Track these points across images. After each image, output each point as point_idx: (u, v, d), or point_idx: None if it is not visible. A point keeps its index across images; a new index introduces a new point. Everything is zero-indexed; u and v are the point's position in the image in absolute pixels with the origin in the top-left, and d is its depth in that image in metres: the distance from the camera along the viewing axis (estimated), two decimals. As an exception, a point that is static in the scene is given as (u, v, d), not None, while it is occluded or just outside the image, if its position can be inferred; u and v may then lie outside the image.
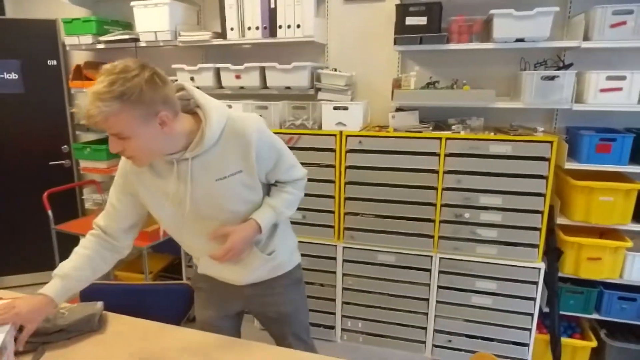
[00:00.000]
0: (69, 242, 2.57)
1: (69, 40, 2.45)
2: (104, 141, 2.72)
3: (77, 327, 1.12)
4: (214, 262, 1.15)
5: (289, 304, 1.23)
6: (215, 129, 0.97)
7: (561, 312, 1.92)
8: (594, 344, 1.94)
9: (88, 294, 1.30)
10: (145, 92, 0.85)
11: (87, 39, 2.40)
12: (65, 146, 2.82)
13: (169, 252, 2.61)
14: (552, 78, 1.75)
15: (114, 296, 1.33)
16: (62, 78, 2.72)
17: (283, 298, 1.21)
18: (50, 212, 2.31)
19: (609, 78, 1.70)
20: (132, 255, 2.83)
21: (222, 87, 2.25)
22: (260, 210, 1.07)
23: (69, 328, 1.11)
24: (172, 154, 0.98)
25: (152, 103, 0.87)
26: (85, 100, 0.84)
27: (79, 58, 2.71)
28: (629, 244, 1.80)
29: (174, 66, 2.27)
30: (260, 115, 2.09)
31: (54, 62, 2.69)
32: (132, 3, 2.24)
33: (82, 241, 1.13)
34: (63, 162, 2.83)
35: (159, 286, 1.48)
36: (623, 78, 1.69)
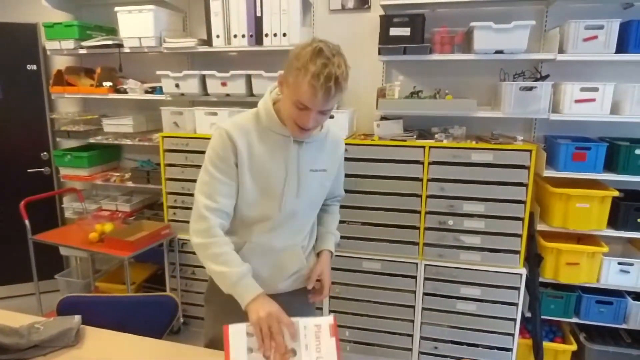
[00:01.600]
0: (47, 253, 2.51)
1: (50, 45, 2.40)
2: (85, 148, 2.66)
3: (53, 343, 1.08)
4: (259, 251, 1.10)
5: (308, 308, 1.21)
6: (325, 125, 1.11)
7: (542, 317, 1.96)
8: (574, 347, 1.99)
9: (66, 307, 1.26)
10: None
11: (69, 44, 2.36)
12: (45, 153, 2.75)
13: (152, 261, 2.55)
14: (530, 89, 1.81)
15: (92, 309, 1.29)
16: (42, 83, 2.66)
17: (305, 302, 1.19)
18: (27, 222, 2.23)
19: (582, 89, 1.77)
20: (113, 265, 2.76)
21: (207, 95, 2.24)
22: (326, 240, 1.23)
23: (44, 344, 1.07)
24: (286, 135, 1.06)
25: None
26: (320, 70, 0.90)
27: (59, 63, 2.65)
28: (605, 249, 1.86)
29: (158, 72, 2.25)
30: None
31: (34, 67, 2.63)
32: (116, 8, 2.22)
33: (220, 242, 1.02)
34: (42, 169, 2.75)
35: (141, 298, 1.44)
36: (596, 89, 1.76)
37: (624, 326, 1.92)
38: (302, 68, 0.91)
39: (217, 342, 1.14)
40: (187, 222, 1.21)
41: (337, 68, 0.91)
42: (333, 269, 2.10)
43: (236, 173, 1.05)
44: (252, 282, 1.00)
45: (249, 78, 2.16)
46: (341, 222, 2.04)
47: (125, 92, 2.40)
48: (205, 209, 1.02)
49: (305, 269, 1.17)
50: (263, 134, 1.06)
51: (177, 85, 2.23)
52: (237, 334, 0.94)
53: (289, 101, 0.98)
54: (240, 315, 1.11)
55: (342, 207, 2.04)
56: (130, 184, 2.48)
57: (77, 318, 1.16)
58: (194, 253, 2.53)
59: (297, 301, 1.16)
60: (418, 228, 1.98)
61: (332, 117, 1.99)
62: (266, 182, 1.07)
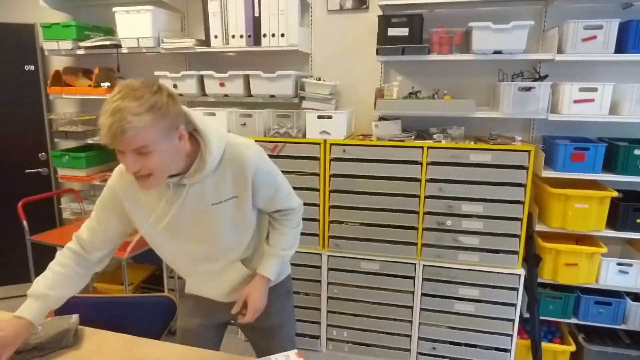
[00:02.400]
0: (46, 254, 2.50)
1: (47, 45, 2.39)
2: (83, 149, 2.66)
3: (51, 344, 1.08)
4: (198, 281, 1.17)
5: (277, 316, 1.21)
6: (215, 156, 0.96)
7: (541, 317, 1.95)
8: (572, 348, 1.99)
9: (63, 308, 1.26)
10: (170, 105, 0.85)
11: (67, 44, 2.35)
12: (43, 153, 2.74)
13: (150, 262, 2.55)
14: (529, 89, 1.80)
15: (90, 309, 1.29)
16: (40, 84, 2.65)
17: (271, 309, 1.19)
18: (25, 223, 2.22)
19: (581, 89, 1.77)
20: (111, 266, 2.75)
21: (205, 95, 2.23)
22: (264, 263, 1.12)
23: (42, 345, 1.07)
24: (170, 176, 0.95)
25: (175, 116, 0.87)
26: (104, 119, 0.80)
27: (57, 63, 2.65)
28: (604, 249, 1.86)
29: (156, 73, 2.24)
30: (244, 124, 2.11)
31: (32, 68, 2.62)
32: (114, 9, 2.21)
33: (59, 257, 1.09)
34: (40, 170, 2.74)
35: (139, 298, 1.44)
36: (594, 90, 1.76)
37: (622, 327, 1.91)
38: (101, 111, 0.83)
39: (188, 333, 1.22)
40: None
41: (124, 100, 0.80)
42: (331, 269, 2.10)
43: (120, 221, 1.07)
44: (28, 305, 1.01)
45: (247, 78, 2.15)
46: (340, 222, 2.08)
47: (123, 92, 2.39)
48: (82, 229, 1.11)
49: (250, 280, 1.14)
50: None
51: (175, 86, 2.23)
52: None
53: None
54: (211, 310, 1.20)
55: (340, 207, 2.08)
56: (128, 184, 2.48)
57: (75, 317, 1.16)
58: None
59: (267, 297, 1.16)
60: (416, 229, 1.97)
61: (330, 117, 1.99)
62: (165, 231, 1.03)
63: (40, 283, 1.04)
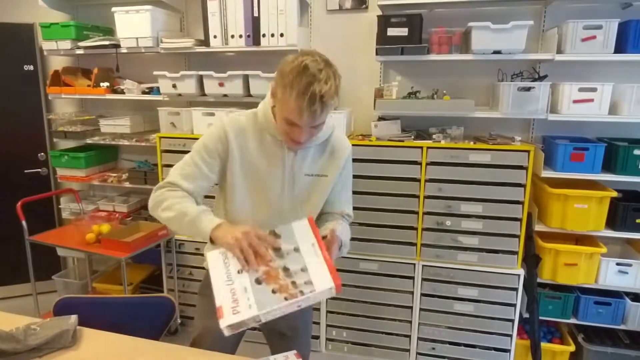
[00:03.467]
0: (45, 254, 2.50)
1: (46, 45, 2.39)
2: (82, 149, 2.65)
3: (50, 345, 1.08)
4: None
5: (301, 319, 1.20)
6: (326, 130, 1.07)
7: (540, 317, 1.95)
8: (572, 348, 1.99)
9: (62, 309, 1.26)
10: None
11: (66, 44, 2.35)
12: (42, 154, 2.74)
13: (149, 262, 2.55)
14: (528, 89, 1.80)
15: (89, 310, 1.28)
16: (39, 84, 2.65)
17: (296, 312, 1.18)
18: (24, 223, 2.22)
19: (581, 89, 1.77)
20: (111, 266, 2.75)
21: (205, 95, 2.23)
22: (337, 223, 1.09)
23: (41, 346, 1.07)
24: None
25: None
26: (305, 101, 0.89)
27: (56, 63, 2.65)
28: (604, 249, 1.86)
29: (155, 73, 2.24)
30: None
31: (31, 67, 2.62)
32: (113, 9, 2.21)
33: (178, 194, 1.04)
34: (39, 170, 2.74)
35: (138, 299, 1.44)
36: (594, 90, 1.76)
37: (622, 327, 1.91)
38: (288, 86, 0.91)
39: (205, 335, 1.18)
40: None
41: (323, 85, 0.89)
42: (331, 269, 2.10)
43: (219, 169, 1.08)
44: (212, 216, 1.00)
45: (246, 78, 2.15)
46: (339, 222, 2.07)
47: (122, 92, 2.39)
48: (178, 178, 1.06)
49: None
50: (259, 134, 1.08)
51: (174, 86, 2.22)
52: (215, 261, 0.93)
53: (279, 115, 0.99)
54: (213, 313, 1.14)
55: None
56: (127, 184, 2.47)
57: (74, 318, 1.16)
58: (191, 254, 2.53)
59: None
60: (416, 229, 1.97)
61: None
62: (258, 182, 1.08)
63: (194, 206, 1.02)
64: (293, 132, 0.97)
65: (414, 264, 1.99)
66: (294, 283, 0.88)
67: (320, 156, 1.09)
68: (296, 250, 0.93)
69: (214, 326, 1.16)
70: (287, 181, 1.08)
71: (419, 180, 1.92)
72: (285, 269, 0.91)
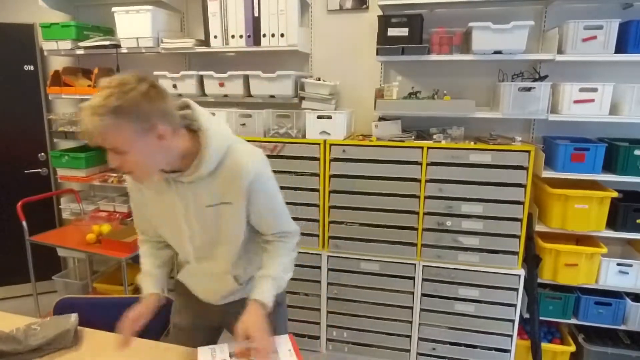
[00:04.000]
0: (45, 254, 2.50)
1: (47, 45, 2.39)
2: (82, 149, 2.65)
3: (51, 345, 1.08)
4: (191, 274, 1.18)
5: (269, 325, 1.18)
6: (212, 158, 0.95)
7: (541, 318, 1.95)
8: (572, 348, 1.99)
9: (62, 309, 1.26)
10: (142, 105, 0.83)
11: (66, 44, 2.34)
12: (42, 154, 2.74)
13: (150, 262, 2.54)
14: (529, 89, 1.80)
15: (89, 310, 1.28)
16: (40, 84, 2.65)
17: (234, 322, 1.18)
18: (24, 223, 2.22)
19: (581, 90, 1.76)
20: (111, 266, 2.75)
21: (205, 95, 2.23)
22: (258, 287, 1.04)
23: (42, 346, 1.07)
24: (169, 172, 0.96)
25: (149, 116, 0.85)
26: (81, 115, 0.83)
27: (57, 63, 2.64)
28: (604, 250, 1.85)
29: (156, 73, 2.24)
30: (244, 124, 2.10)
31: (31, 68, 2.62)
32: (113, 9, 2.21)
33: (141, 251, 1.21)
34: (40, 170, 2.74)
35: (137, 299, 1.43)
36: (595, 90, 1.75)
37: (622, 327, 1.91)
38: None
39: (180, 332, 1.23)
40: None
41: (94, 98, 0.81)
42: (330, 269, 2.10)
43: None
44: (150, 282, 1.15)
45: (246, 79, 2.15)
46: (339, 223, 2.08)
47: (122, 92, 2.39)
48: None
49: (242, 291, 1.14)
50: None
51: (174, 86, 2.22)
52: (205, 356, 1.01)
53: None
54: (201, 312, 1.21)
55: (340, 207, 2.08)
56: (127, 184, 2.47)
57: (74, 317, 1.16)
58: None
59: (233, 312, 1.11)
60: (416, 229, 1.97)
61: (329, 117, 1.99)
62: (162, 222, 1.08)
63: (146, 264, 1.17)
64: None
65: (415, 264, 1.99)
66: None
67: (216, 184, 0.98)
68: (274, 352, 1.00)
69: (179, 324, 1.24)
70: (187, 217, 1.02)
71: (419, 181, 1.92)
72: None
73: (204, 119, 0.96)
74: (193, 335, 1.20)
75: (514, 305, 1.92)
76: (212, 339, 1.27)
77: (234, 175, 0.97)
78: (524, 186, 1.81)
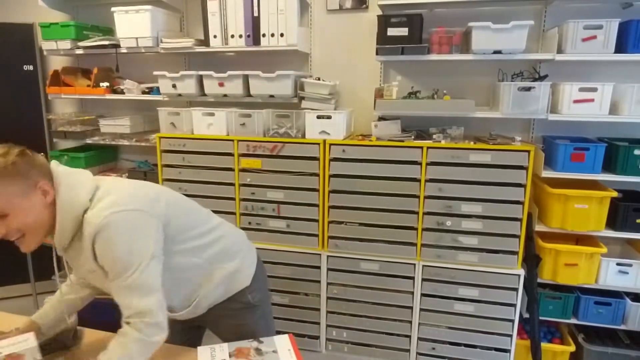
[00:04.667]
0: (45, 254, 2.50)
1: (46, 45, 2.38)
2: (82, 149, 2.65)
3: (51, 345, 1.08)
4: None
5: (246, 328, 1.17)
6: (64, 228, 0.89)
7: (541, 318, 1.95)
8: (572, 348, 1.99)
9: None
10: (19, 164, 0.83)
11: (66, 44, 2.34)
12: (42, 154, 2.70)
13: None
14: (529, 89, 1.80)
15: (89, 311, 1.28)
16: (39, 84, 2.65)
17: (238, 321, 1.17)
18: (23, 223, 2.22)
19: (581, 89, 1.76)
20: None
21: (204, 95, 2.23)
22: None
23: (42, 346, 1.07)
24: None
25: (29, 174, 0.84)
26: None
27: (56, 63, 2.64)
28: (604, 249, 1.85)
29: (155, 73, 2.24)
30: (243, 124, 2.10)
31: (30, 67, 2.61)
32: (112, 8, 2.21)
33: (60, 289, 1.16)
34: (39, 170, 2.74)
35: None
36: (594, 90, 1.75)
37: (622, 327, 1.91)
38: None
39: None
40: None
41: None
42: (330, 269, 2.10)
43: None
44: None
45: (246, 78, 2.15)
46: (339, 222, 2.08)
47: (122, 92, 2.39)
48: None
49: (203, 301, 1.12)
50: None
51: (174, 86, 2.22)
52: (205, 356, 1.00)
53: None
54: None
55: (340, 207, 2.08)
56: (127, 184, 2.47)
57: (74, 317, 1.16)
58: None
59: (228, 309, 1.15)
60: (416, 229, 1.97)
61: (329, 117, 1.99)
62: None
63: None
64: None
65: (414, 264, 1.99)
66: None
67: (84, 251, 0.91)
68: (274, 352, 1.01)
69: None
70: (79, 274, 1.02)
71: (419, 181, 1.92)
72: (258, 350, 1.01)
73: (61, 181, 0.90)
74: (177, 336, 1.19)
75: (514, 305, 1.92)
76: (195, 337, 1.27)
77: (86, 233, 0.89)
78: (524, 186, 1.81)
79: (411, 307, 2.04)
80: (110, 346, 0.92)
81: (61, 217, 0.88)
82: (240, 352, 1.00)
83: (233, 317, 1.16)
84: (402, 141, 1.93)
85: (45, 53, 2.45)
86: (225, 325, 1.18)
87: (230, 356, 0.99)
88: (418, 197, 1.93)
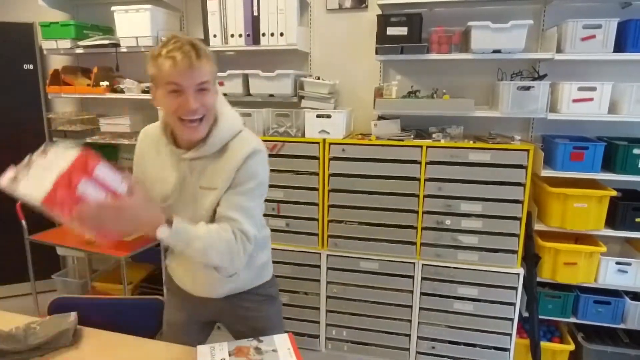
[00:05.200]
0: (44, 253, 2.50)
1: (46, 45, 2.39)
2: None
3: (50, 344, 1.08)
4: (177, 261, 1.18)
5: (263, 320, 1.19)
6: (219, 137, 0.98)
7: (540, 317, 1.95)
8: (571, 347, 1.99)
9: (60, 308, 1.26)
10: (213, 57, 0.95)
11: (66, 44, 2.34)
12: (42, 153, 2.73)
13: (149, 261, 2.55)
14: (528, 88, 1.80)
15: (86, 310, 1.28)
16: (39, 83, 2.65)
17: (256, 313, 1.18)
18: (24, 222, 2.22)
19: (580, 89, 1.77)
20: (110, 265, 2.75)
21: (204, 94, 2.23)
22: (182, 222, 0.91)
23: (41, 345, 1.07)
24: (178, 147, 1.01)
25: (216, 69, 0.96)
26: (177, 53, 0.88)
27: (56, 63, 2.64)
28: (603, 249, 1.86)
29: (155, 72, 2.24)
30: (243, 123, 2.10)
31: (30, 67, 2.62)
32: (112, 8, 2.21)
33: None
34: (39, 169, 2.74)
35: (131, 300, 1.46)
36: (594, 89, 1.76)
37: (622, 326, 1.92)
38: (157, 54, 0.90)
39: (173, 327, 1.23)
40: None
41: (187, 37, 0.92)
42: (330, 268, 2.10)
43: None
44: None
45: (246, 78, 2.15)
46: (339, 221, 2.08)
47: (122, 91, 2.39)
48: None
49: (231, 284, 1.12)
50: (156, 144, 1.07)
51: (174, 85, 2.22)
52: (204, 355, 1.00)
53: (162, 95, 0.91)
54: (196, 306, 1.19)
55: (339, 206, 2.08)
56: (127, 184, 2.47)
57: (73, 316, 1.16)
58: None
59: (248, 300, 1.17)
60: (415, 228, 1.97)
61: (329, 116, 1.99)
62: (154, 193, 1.06)
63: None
64: (182, 104, 0.88)
65: (414, 263, 1.99)
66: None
67: (214, 168, 0.98)
68: (274, 351, 1.01)
69: (173, 320, 1.23)
70: (181, 193, 1.02)
71: (418, 180, 1.92)
72: (257, 349, 1.01)
73: (220, 101, 1.02)
74: (186, 330, 1.21)
75: (513, 304, 1.92)
76: (205, 333, 1.28)
77: (233, 155, 0.98)
78: (523, 185, 1.82)
79: (411, 306, 2.04)
80: (202, 224, 0.95)
81: (224, 128, 0.98)
82: (240, 350, 1.00)
83: (252, 310, 1.17)
84: (402, 140, 1.93)
85: (45, 52, 2.45)
86: (241, 318, 1.18)
87: (230, 355, 0.99)
88: (418, 196, 1.94)
